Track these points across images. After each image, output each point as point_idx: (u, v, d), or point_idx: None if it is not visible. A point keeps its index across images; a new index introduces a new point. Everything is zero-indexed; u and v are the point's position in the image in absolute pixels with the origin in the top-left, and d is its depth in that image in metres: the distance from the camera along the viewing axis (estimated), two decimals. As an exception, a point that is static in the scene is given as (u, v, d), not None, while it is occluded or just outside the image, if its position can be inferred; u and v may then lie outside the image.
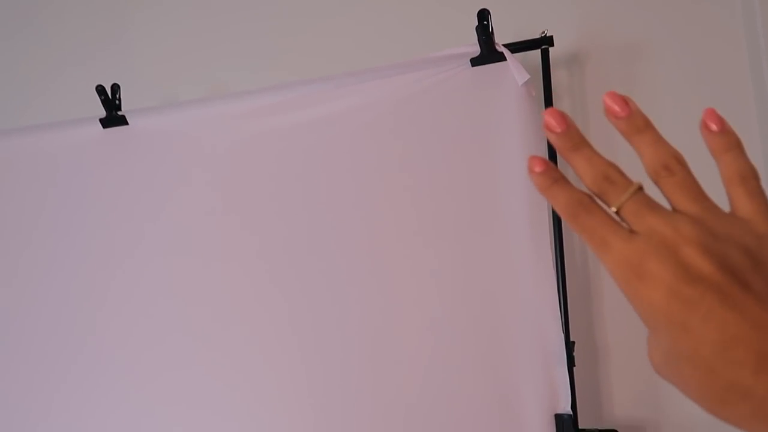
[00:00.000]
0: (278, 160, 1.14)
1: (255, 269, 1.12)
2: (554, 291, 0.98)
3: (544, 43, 1.07)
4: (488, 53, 1.03)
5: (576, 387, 0.97)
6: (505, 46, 1.03)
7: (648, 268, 0.29)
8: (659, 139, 0.35)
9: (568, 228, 1.13)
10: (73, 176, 1.24)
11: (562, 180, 0.35)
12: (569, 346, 0.97)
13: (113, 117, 1.23)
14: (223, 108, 1.17)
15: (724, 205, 0.34)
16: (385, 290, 1.06)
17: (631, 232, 0.31)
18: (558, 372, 0.96)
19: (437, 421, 1.00)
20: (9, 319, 1.24)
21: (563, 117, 0.35)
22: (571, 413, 0.95)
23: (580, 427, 0.96)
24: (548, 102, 1.06)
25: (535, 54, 1.09)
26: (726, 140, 0.35)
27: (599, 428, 0.98)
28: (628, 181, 0.34)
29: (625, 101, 0.35)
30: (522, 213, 0.99)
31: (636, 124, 0.35)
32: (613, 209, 0.33)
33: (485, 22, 1.01)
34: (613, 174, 0.34)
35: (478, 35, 1.01)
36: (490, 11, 1.01)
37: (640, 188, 0.33)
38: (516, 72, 1.00)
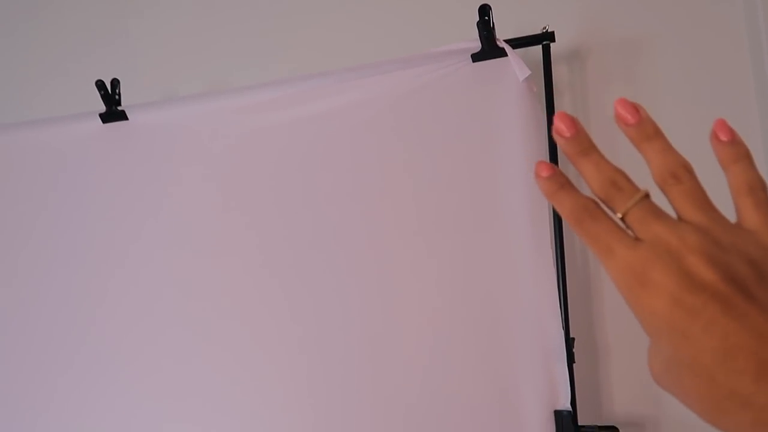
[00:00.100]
0: (279, 155, 1.14)
1: (255, 264, 1.12)
2: (554, 287, 0.98)
3: (545, 38, 1.07)
4: (489, 49, 1.03)
5: (576, 383, 0.97)
6: (506, 41, 1.03)
7: (651, 276, 0.29)
8: (668, 147, 0.35)
9: (568, 225, 1.13)
10: (73, 171, 1.24)
11: (568, 185, 0.35)
12: (569, 342, 0.97)
13: (113, 112, 1.22)
14: (224, 103, 1.17)
15: (731, 216, 0.34)
16: (385, 286, 1.06)
17: (636, 239, 0.31)
18: (558, 368, 0.96)
19: (437, 417, 1.00)
20: (10, 314, 1.24)
21: (573, 121, 0.35)
22: (571, 410, 0.95)
23: (579, 424, 0.96)
24: (549, 98, 1.06)
25: (536, 50, 1.09)
26: (735, 151, 0.35)
27: (599, 425, 0.98)
28: (635, 188, 0.33)
29: (635, 108, 0.35)
30: (522, 209, 0.99)
31: (646, 131, 0.35)
32: (619, 215, 0.33)
33: (486, 18, 1.00)
34: (620, 180, 0.34)
35: (479, 31, 1.01)
36: (491, 7, 1.00)
37: (647, 195, 0.33)
38: (517, 68, 1.00)
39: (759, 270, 0.29)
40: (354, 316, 1.06)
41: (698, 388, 0.28)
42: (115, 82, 1.24)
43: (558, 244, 1.02)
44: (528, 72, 0.99)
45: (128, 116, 1.22)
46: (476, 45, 1.03)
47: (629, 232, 0.32)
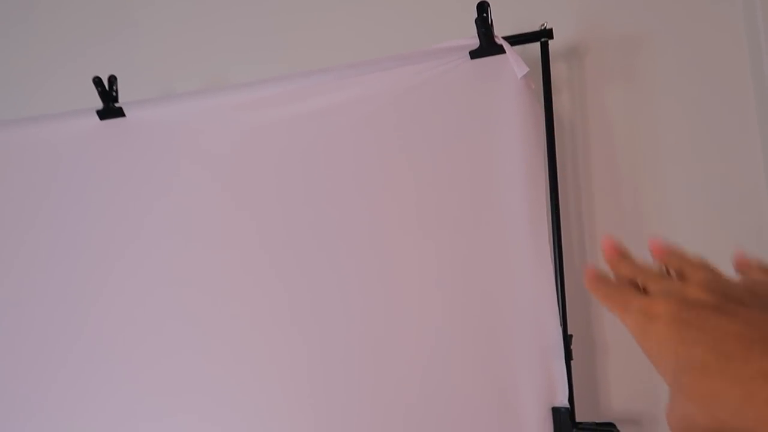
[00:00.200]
0: (278, 151, 1.14)
1: (255, 260, 1.12)
2: (552, 284, 0.98)
3: (543, 35, 1.07)
4: (487, 46, 1.03)
5: (574, 380, 0.97)
6: (505, 38, 1.02)
7: (656, 310, 0.34)
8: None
9: (566, 222, 1.13)
10: (70, 168, 1.24)
11: (605, 279, 0.40)
12: (567, 339, 0.97)
13: (110, 109, 1.22)
14: (222, 100, 1.17)
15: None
16: (384, 282, 1.06)
17: (649, 292, 0.36)
18: (556, 365, 0.96)
19: (436, 413, 1.00)
20: (7, 309, 1.24)
21: (617, 251, 0.43)
22: (569, 406, 0.96)
23: (577, 421, 0.97)
24: (547, 95, 1.06)
25: (535, 47, 1.09)
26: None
27: (596, 422, 0.98)
28: (659, 269, 0.39)
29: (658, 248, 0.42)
30: (521, 206, 0.99)
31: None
32: (640, 284, 0.37)
33: (484, 15, 1.00)
34: (646, 268, 0.39)
35: (477, 28, 1.01)
36: (490, 4, 1.00)
37: (668, 272, 0.38)
38: (515, 65, 1.00)
39: (753, 291, 0.33)
40: (354, 313, 1.06)
41: (708, 385, 0.29)
42: (112, 79, 1.23)
43: (556, 242, 1.03)
44: (526, 69, 0.99)
45: (125, 113, 1.22)
46: (474, 42, 1.03)
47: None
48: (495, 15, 1.02)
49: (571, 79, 1.18)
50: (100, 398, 1.17)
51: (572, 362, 0.97)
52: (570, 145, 1.17)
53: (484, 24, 1.00)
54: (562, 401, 0.96)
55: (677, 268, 0.38)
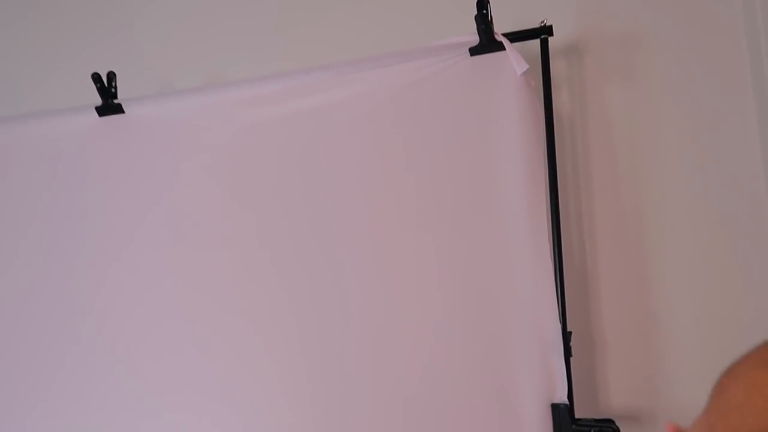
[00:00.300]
0: (277, 148, 1.14)
1: (255, 256, 1.12)
2: (552, 282, 0.98)
3: (543, 32, 1.07)
4: (487, 43, 1.03)
5: (573, 377, 0.97)
6: (504, 35, 1.02)
7: None
8: None
9: (565, 218, 1.13)
10: (69, 164, 1.23)
11: None
12: (566, 336, 0.98)
13: (109, 105, 1.22)
14: (221, 96, 1.17)
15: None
16: (384, 280, 1.06)
17: None
18: (555, 362, 0.96)
19: (435, 409, 1.00)
20: (7, 306, 1.23)
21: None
22: (568, 403, 0.96)
23: (576, 417, 0.97)
24: (547, 92, 1.06)
25: (534, 44, 1.08)
26: None
27: (595, 418, 0.99)
28: None
29: None
30: (520, 203, 0.99)
31: None
32: None
33: (484, 12, 1.00)
34: None
35: (477, 24, 1.01)
36: (490, 1, 1.00)
37: None
38: (515, 61, 1.00)
39: None
40: (352, 309, 1.06)
41: None
42: (111, 75, 1.23)
43: (555, 239, 1.03)
44: (526, 66, 0.99)
45: (124, 109, 1.22)
46: (474, 39, 1.03)
47: None
48: (494, 12, 1.02)
49: (571, 77, 1.18)
50: (100, 395, 1.16)
51: (571, 359, 0.98)
52: (569, 142, 1.17)
53: (483, 21, 1.00)
54: (562, 398, 0.96)
55: None
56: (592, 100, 1.16)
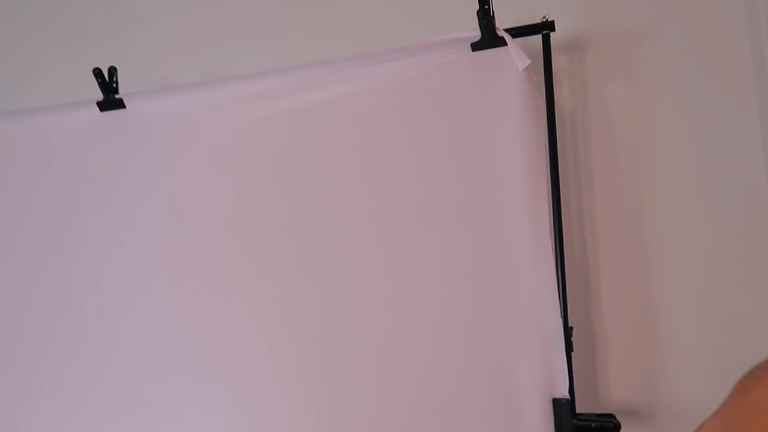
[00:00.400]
0: (279, 144, 1.14)
1: (256, 252, 1.12)
2: (553, 277, 0.98)
3: (545, 28, 1.07)
4: (489, 38, 1.02)
5: (574, 372, 0.97)
6: (506, 30, 1.02)
7: None
8: None
9: (567, 214, 1.13)
10: (71, 160, 1.23)
11: None
12: (568, 331, 0.98)
13: (110, 100, 1.22)
14: (223, 92, 1.17)
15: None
16: (385, 274, 1.06)
17: None
18: (556, 357, 0.97)
19: (437, 404, 1.01)
20: (5, 299, 1.23)
21: None
22: (569, 398, 0.96)
23: (577, 412, 0.97)
24: (549, 87, 1.06)
25: (536, 39, 1.08)
26: None
27: (596, 413, 0.99)
28: None
29: None
30: (522, 198, 0.99)
31: None
32: None
33: (486, 7, 1.00)
34: None
35: (479, 20, 1.01)
36: (492, -5, 1.00)
37: None
38: (517, 57, 1.00)
39: None
40: (355, 304, 1.06)
41: None
42: (112, 70, 1.23)
43: (557, 234, 1.03)
44: (528, 61, 0.99)
45: (126, 104, 1.21)
46: (476, 34, 1.03)
47: None
48: (496, 7, 1.02)
49: (572, 72, 1.18)
50: (99, 386, 1.17)
51: (573, 354, 0.98)
52: (571, 137, 1.17)
53: (485, 15, 1.00)
54: (563, 392, 0.96)
55: None
56: (594, 96, 1.16)
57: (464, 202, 1.03)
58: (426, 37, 1.08)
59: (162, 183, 1.19)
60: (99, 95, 1.22)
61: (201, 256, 1.15)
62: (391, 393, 1.03)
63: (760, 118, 1.09)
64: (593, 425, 0.96)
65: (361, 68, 1.10)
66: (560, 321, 0.97)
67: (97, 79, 1.20)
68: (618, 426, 0.95)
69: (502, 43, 1.02)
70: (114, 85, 1.23)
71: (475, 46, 1.04)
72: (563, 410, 0.96)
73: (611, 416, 0.97)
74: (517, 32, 1.05)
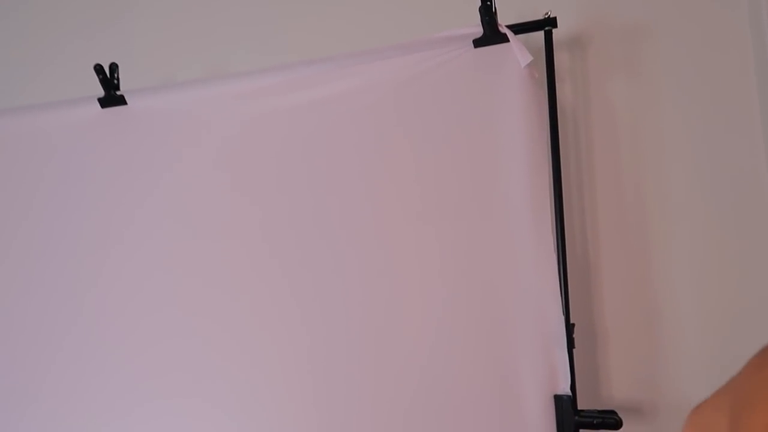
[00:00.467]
0: (279, 140, 1.14)
1: (257, 248, 1.12)
2: (555, 273, 0.98)
3: (547, 24, 1.06)
4: (491, 34, 1.02)
5: (575, 369, 0.97)
6: (508, 27, 1.02)
7: None
8: None
9: (569, 211, 1.13)
10: (72, 156, 1.23)
11: None
12: (569, 328, 0.98)
13: (112, 97, 1.22)
14: (223, 88, 1.16)
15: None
16: (387, 271, 1.06)
17: None
18: (558, 354, 0.97)
19: (438, 401, 1.01)
20: (6, 296, 1.23)
21: None
22: (571, 394, 0.96)
23: (579, 409, 0.97)
24: (551, 84, 1.06)
25: (538, 35, 1.08)
26: None
27: (598, 409, 0.99)
28: None
29: None
30: (524, 195, 0.99)
31: None
32: None
33: (488, 3, 1.00)
34: None
35: (481, 16, 1.01)
36: (494, -8, 1.00)
37: None
38: (519, 53, 1.00)
39: None
40: (356, 300, 1.06)
41: None
42: (113, 67, 1.23)
43: (559, 231, 1.03)
44: (530, 58, 0.99)
45: (127, 101, 1.21)
46: (478, 30, 1.03)
47: None
48: (499, 3, 1.02)
49: (574, 69, 1.18)
50: (98, 384, 1.17)
51: (574, 351, 0.98)
52: (573, 134, 1.17)
53: (488, 12, 1.00)
54: (564, 389, 0.96)
55: None
56: (596, 93, 1.16)
57: (465, 198, 1.03)
58: (428, 34, 1.08)
59: (162, 179, 1.19)
60: (100, 92, 1.22)
61: (201, 253, 1.15)
62: (392, 388, 1.03)
63: (762, 115, 1.08)
64: (595, 422, 0.96)
65: (362, 65, 1.10)
66: (562, 318, 0.97)
67: (98, 75, 1.20)
68: (619, 423, 0.95)
69: (504, 39, 1.02)
70: (115, 81, 1.23)
71: (477, 43, 1.04)
72: (565, 407, 0.96)
73: (613, 413, 0.97)
74: (520, 29, 1.05)
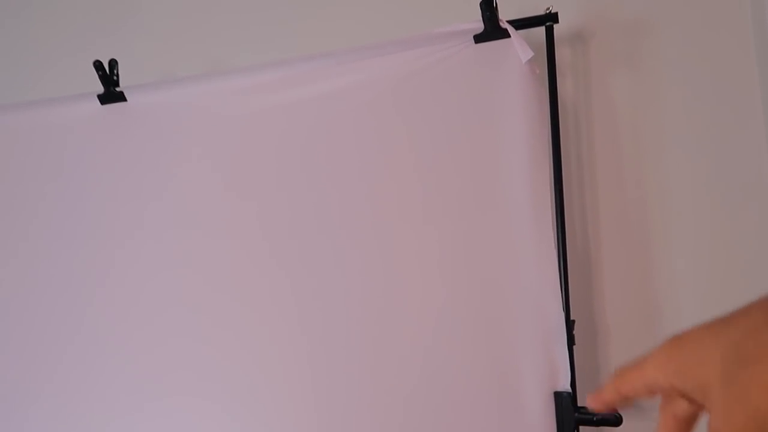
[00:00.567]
0: (279, 137, 1.13)
1: (257, 245, 1.12)
2: (555, 269, 0.98)
3: (548, 20, 1.06)
4: (492, 30, 1.02)
5: (576, 365, 0.97)
6: (509, 22, 1.02)
7: None
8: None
9: (569, 207, 1.13)
10: (71, 153, 1.23)
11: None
12: (569, 324, 0.98)
13: (111, 93, 1.21)
14: (223, 84, 1.16)
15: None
16: (387, 267, 1.06)
17: None
18: (558, 350, 0.96)
19: (437, 397, 1.01)
20: (8, 295, 1.23)
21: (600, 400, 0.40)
22: (571, 391, 0.96)
23: (579, 405, 0.97)
24: (552, 80, 1.05)
25: (539, 31, 1.08)
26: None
27: (598, 406, 0.99)
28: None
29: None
30: (524, 192, 0.99)
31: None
32: None
33: (489, -2, 0.99)
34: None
35: (482, 11, 1.00)
36: (495, -13, 0.99)
37: None
38: (520, 49, 0.99)
39: None
40: (355, 297, 1.06)
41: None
42: (113, 63, 1.22)
43: (559, 227, 1.03)
44: (531, 53, 0.98)
45: (127, 97, 1.21)
46: (479, 26, 1.02)
47: None
48: (499, -1, 1.01)
49: (576, 65, 1.17)
50: (104, 382, 1.17)
51: (574, 347, 0.98)
52: (574, 130, 1.16)
53: (489, 7, 0.99)
54: (565, 386, 0.96)
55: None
56: (597, 88, 1.16)
57: (466, 194, 1.03)
58: (428, 29, 1.07)
59: (163, 176, 1.19)
60: (100, 88, 1.22)
61: (201, 249, 1.15)
62: (391, 385, 1.03)
63: (764, 110, 1.08)
64: (595, 419, 0.96)
65: (362, 61, 1.09)
66: (562, 314, 0.97)
67: (97, 71, 1.20)
68: (620, 419, 0.95)
69: (505, 35, 1.02)
70: (115, 77, 1.22)
71: (478, 38, 1.03)
72: (565, 403, 0.96)
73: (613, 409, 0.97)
74: (520, 24, 1.05)
